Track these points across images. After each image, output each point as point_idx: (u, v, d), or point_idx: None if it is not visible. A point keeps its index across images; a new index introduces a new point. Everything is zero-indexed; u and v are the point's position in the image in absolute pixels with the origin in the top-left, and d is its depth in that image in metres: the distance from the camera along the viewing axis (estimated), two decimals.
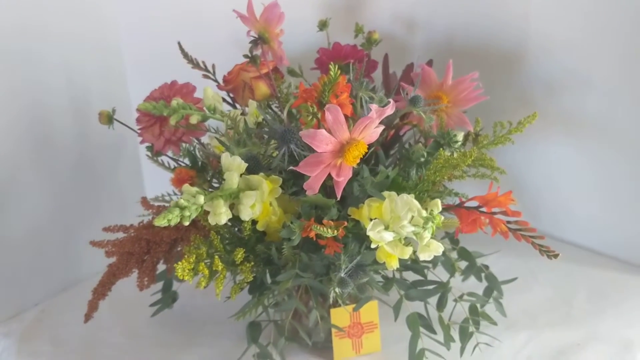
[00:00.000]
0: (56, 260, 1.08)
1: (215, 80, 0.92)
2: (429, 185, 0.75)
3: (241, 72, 0.90)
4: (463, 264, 0.90)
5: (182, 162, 0.87)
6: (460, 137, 0.77)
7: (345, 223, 0.66)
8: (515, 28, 1.08)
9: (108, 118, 0.83)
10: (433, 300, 0.83)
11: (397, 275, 0.82)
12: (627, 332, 0.89)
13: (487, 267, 0.90)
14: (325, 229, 0.63)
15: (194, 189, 0.63)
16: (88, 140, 1.09)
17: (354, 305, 0.79)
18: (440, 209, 0.65)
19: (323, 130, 0.60)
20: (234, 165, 0.67)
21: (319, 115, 0.68)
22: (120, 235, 0.81)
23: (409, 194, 0.70)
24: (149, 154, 0.85)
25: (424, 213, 0.64)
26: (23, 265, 1.02)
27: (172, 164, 0.88)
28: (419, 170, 0.77)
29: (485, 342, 0.83)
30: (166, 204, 0.86)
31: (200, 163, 0.83)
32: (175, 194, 0.89)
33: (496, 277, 0.89)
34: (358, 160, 0.63)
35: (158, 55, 1.12)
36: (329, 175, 0.64)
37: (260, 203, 0.68)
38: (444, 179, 0.73)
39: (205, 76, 0.92)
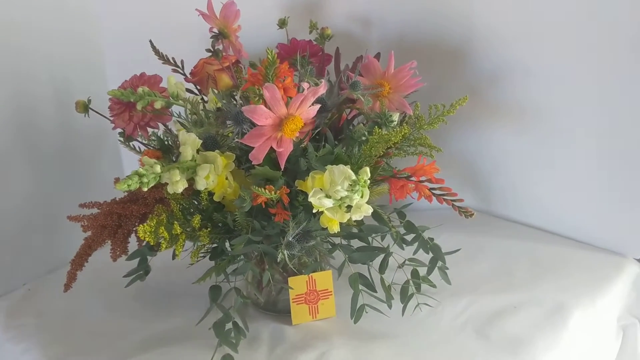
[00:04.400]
0: (43, 242, 1.16)
1: (184, 74, 1.01)
2: (366, 160, 0.84)
3: (205, 65, 0.99)
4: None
5: (153, 146, 0.96)
6: (395, 117, 0.86)
7: (286, 188, 0.75)
8: (461, 24, 1.17)
9: (84, 107, 0.92)
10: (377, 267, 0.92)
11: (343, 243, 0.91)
12: (560, 296, 0.98)
13: (432, 239, 0.99)
14: (266, 191, 0.72)
15: (152, 160, 0.72)
16: (70, 128, 1.17)
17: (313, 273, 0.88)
18: (369, 175, 0.74)
19: (262, 106, 0.69)
20: (189, 140, 0.76)
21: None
22: (95, 211, 0.90)
23: (353, 167, 0.79)
24: (121, 139, 0.94)
25: (353, 177, 0.73)
26: (10, 248, 1.10)
27: (144, 148, 0.97)
28: (360, 147, 0.86)
29: (426, 303, 0.91)
30: None
31: (166, 145, 0.92)
32: None
33: (440, 247, 0.97)
34: (296, 134, 0.72)
35: (136, 52, 1.20)
36: (276, 150, 0.73)
37: (214, 175, 0.77)
38: (381, 153, 0.81)
39: (175, 70, 1.01)
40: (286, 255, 0.78)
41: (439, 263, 0.97)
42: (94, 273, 0.96)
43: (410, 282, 0.90)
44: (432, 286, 0.93)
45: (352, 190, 0.72)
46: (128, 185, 0.68)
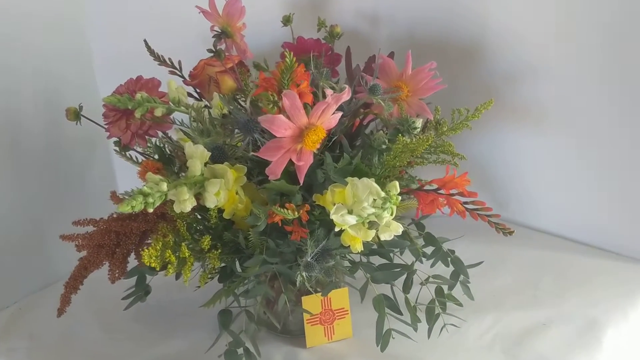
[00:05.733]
0: (34, 258, 1.08)
1: (182, 76, 0.93)
2: (390, 171, 0.77)
3: (206, 67, 0.91)
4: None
5: (151, 156, 0.89)
6: (418, 123, 0.79)
7: (308, 206, 0.68)
8: (474, 22, 1.10)
9: (75, 114, 0.84)
10: (400, 286, 0.85)
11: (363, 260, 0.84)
12: (591, 311, 0.92)
13: (452, 251, 0.92)
14: (287, 211, 0.65)
15: (157, 177, 0.64)
16: (59, 138, 1.10)
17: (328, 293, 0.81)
18: (399, 190, 0.67)
19: (281, 116, 0.62)
20: (197, 153, 0.68)
21: (280, 104, 0.69)
22: (90, 229, 0.82)
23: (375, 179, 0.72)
24: (116, 148, 0.87)
25: (382, 194, 0.66)
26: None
27: (141, 158, 0.89)
28: (380, 157, 0.79)
29: (452, 324, 0.85)
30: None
31: (167, 156, 0.85)
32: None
33: (462, 261, 0.91)
34: (318, 145, 0.65)
35: (129, 53, 1.13)
36: (295, 163, 0.66)
37: (225, 191, 0.70)
38: (405, 164, 0.75)
39: (172, 72, 0.93)
40: (305, 278, 0.71)
41: (461, 277, 0.91)
42: (90, 291, 0.88)
43: (436, 301, 0.83)
44: (458, 305, 0.87)
45: (382, 207, 0.65)
46: (132, 207, 0.60)
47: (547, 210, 1.15)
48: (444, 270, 0.91)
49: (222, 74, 0.91)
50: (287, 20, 1.00)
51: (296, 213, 0.66)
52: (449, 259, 0.91)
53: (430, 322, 0.82)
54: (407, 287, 0.82)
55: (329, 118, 0.66)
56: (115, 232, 0.80)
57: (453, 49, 1.13)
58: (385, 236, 0.68)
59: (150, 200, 0.62)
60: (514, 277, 1.03)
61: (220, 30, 0.86)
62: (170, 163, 0.83)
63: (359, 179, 0.72)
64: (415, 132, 0.78)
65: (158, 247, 0.68)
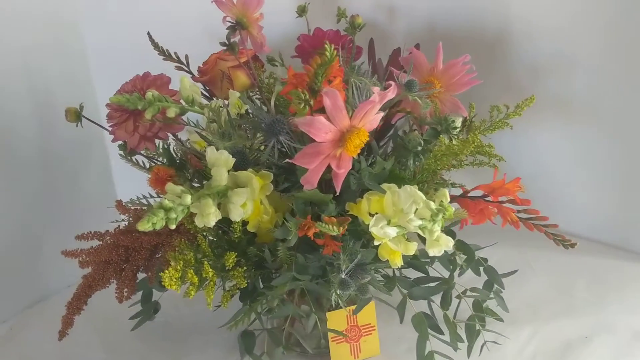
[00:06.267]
0: (22, 273, 1.00)
1: (190, 72, 0.86)
2: (428, 175, 0.70)
3: (218, 62, 0.84)
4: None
5: (158, 160, 0.81)
6: (458, 122, 0.72)
7: (349, 219, 0.60)
8: (496, 13, 1.04)
9: (76, 115, 0.76)
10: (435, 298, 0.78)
11: (396, 273, 0.77)
12: (634, 320, 0.86)
13: (485, 260, 0.85)
14: (330, 226, 0.57)
15: (179, 188, 0.57)
16: (52, 142, 1.01)
17: (353, 307, 0.74)
18: (448, 198, 0.60)
19: (322, 117, 0.54)
20: (221, 160, 0.61)
21: (312, 103, 0.62)
22: (95, 243, 0.74)
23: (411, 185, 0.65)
24: (121, 152, 0.79)
25: (433, 205, 0.58)
26: None
27: (146, 163, 0.81)
28: (415, 159, 0.72)
29: (493, 341, 0.78)
30: (144, 207, 0.79)
31: (178, 161, 0.77)
32: (151, 196, 0.82)
33: (496, 270, 0.85)
34: (359, 150, 0.58)
35: (125, 49, 1.05)
36: (333, 170, 0.58)
37: (251, 201, 0.62)
38: (447, 168, 0.68)
39: (179, 68, 0.86)
40: (340, 296, 0.64)
41: (494, 287, 0.84)
42: (90, 307, 0.79)
43: (475, 316, 0.76)
44: (498, 319, 0.80)
45: (432, 219, 0.58)
46: (153, 224, 0.52)
47: (577, 211, 1.08)
48: (472, 277, 0.84)
49: (234, 69, 0.83)
50: (302, 11, 0.92)
51: (341, 228, 0.58)
52: (482, 267, 0.85)
53: (472, 340, 0.75)
54: (446, 303, 0.75)
55: (372, 119, 0.58)
56: (123, 247, 0.71)
57: (474, 42, 1.06)
58: (434, 252, 0.61)
59: (173, 215, 0.54)
60: (546, 283, 0.97)
61: (234, 21, 0.79)
62: (182, 169, 0.75)
63: (395, 185, 0.65)
64: (455, 132, 0.71)
65: (179, 268, 0.60)
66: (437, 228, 0.59)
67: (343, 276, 0.65)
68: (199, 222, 0.59)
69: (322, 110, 0.61)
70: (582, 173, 1.05)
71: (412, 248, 0.64)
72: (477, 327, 0.76)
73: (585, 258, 1.02)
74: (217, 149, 0.62)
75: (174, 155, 0.80)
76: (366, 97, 0.65)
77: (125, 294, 0.73)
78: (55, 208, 1.03)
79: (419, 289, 0.73)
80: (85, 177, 1.09)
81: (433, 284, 0.75)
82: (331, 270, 0.69)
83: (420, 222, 0.59)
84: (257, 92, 0.84)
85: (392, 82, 0.59)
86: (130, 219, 0.76)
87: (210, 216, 0.58)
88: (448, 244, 0.61)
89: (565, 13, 0.97)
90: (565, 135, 1.04)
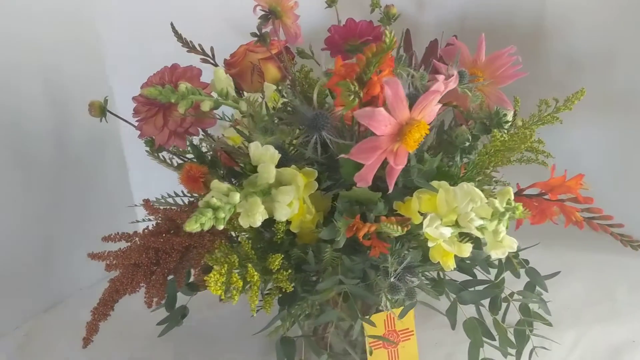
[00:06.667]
0: (37, 275, 0.96)
1: (215, 65, 0.81)
2: (477, 173, 0.66)
3: (248, 54, 0.79)
4: None
5: (187, 157, 0.77)
6: (510, 116, 0.68)
7: (410, 219, 0.56)
8: (530, 5, 1.00)
9: (100, 109, 0.72)
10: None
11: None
12: None
13: (527, 261, 0.81)
14: (393, 226, 0.53)
15: (225, 186, 0.52)
16: (67, 140, 0.97)
17: (398, 310, 0.70)
18: (512, 196, 0.56)
19: (382, 109, 0.50)
20: (266, 156, 0.56)
21: (361, 94, 0.58)
22: (117, 245, 0.70)
23: (455, 182, 0.61)
24: (148, 149, 0.74)
25: (497, 203, 0.54)
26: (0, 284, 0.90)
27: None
28: (462, 155, 0.68)
29: (542, 346, 0.74)
30: (173, 207, 0.75)
31: (209, 158, 0.73)
32: (177, 195, 0.78)
33: (538, 272, 0.81)
34: (418, 145, 0.53)
35: (142, 43, 1.01)
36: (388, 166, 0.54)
37: (297, 200, 0.58)
38: (502, 164, 0.64)
39: (204, 60, 0.81)
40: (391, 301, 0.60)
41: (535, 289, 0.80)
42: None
43: (525, 321, 0.72)
44: (547, 324, 0.76)
45: (498, 219, 0.54)
46: (201, 224, 0.48)
47: (613, 208, 1.04)
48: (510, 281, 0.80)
49: (265, 62, 0.79)
50: (332, 1, 0.88)
51: (404, 228, 0.54)
52: (524, 269, 0.81)
53: (521, 345, 0.71)
54: (495, 308, 0.71)
55: (430, 111, 0.54)
56: (154, 249, 0.67)
57: (506, 36, 1.02)
58: (497, 254, 0.57)
59: (221, 215, 0.50)
60: (585, 285, 0.94)
61: (267, 11, 0.74)
62: (215, 166, 0.71)
63: (446, 183, 0.61)
64: (507, 127, 0.67)
65: (223, 271, 0.55)
66: (503, 228, 0.55)
67: (392, 280, 0.61)
68: (244, 222, 0.54)
69: (367, 104, 0.57)
70: (616, 169, 1.01)
71: (467, 249, 0.60)
72: (527, 332, 0.71)
73: (626, 260, 0.97)
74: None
75: (202, 152, 0.76)
76: (411, 88, 0.61)
77: (156, 300, 0.68)
78: (71, 209, 0.99)
79: (468, 293, 0.69)
80: (101, 177, 1.05)
81: (481, 287, 0.71)
82: (375, 273, 0.65)
83: (481, 222, 0.55)
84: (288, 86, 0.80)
85: (455, 72, 0.54)
86: (159, 219, 0.71)
87: (256, 216, 0.54)
88: (512, 245, 0.56)
89: (601, 7, 0.94)
90: (601, 131, 1.00)
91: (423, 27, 1.04)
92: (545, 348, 0.75)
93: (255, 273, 0.57)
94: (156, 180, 1.01)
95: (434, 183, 0.62)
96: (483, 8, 1.03)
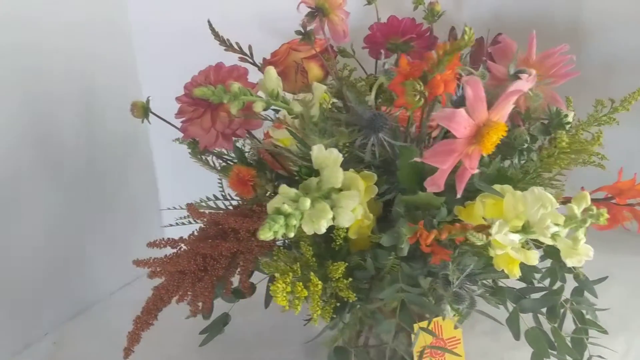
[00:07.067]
0: (63, 281, 0.93)
1: (254, 64, 0.79)
2: (537, 176, 0.64)
3: (291, 52, 0.77)
4: None
5: (230, 160, 0.74)
6: (570, 117, 0.66)
7: (490, 226, 0.54)
8: (566, 3, 0.98)
9: (143, 110, 0.69)
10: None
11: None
12: None
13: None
14: (480, 235, 0.50)
15: (293, 191, 0.50)
16: (94, 144, 0.94)
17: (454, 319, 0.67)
18: (589, 202, 0.53)
19: (463, 110, 0.48)
20: (330, 159, 0.53)
21: (427, 94, 0.55)
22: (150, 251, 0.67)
23: (515, 186, 0.59)
24: (190, 151, 0.71)
25: (576, 209, 0.52)
26: (28, 289, 0.87)
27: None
28: (520, 157, 0.66)
29: (599, 356, 0.72)
30: (217, 210, 0.72)
31: (257, 160, 0.71)
32: (217, 199, 0.75)
33: (587, 277, 0.78)
34: (494, 147, 0.51)
35: (170, 43, 0.98)
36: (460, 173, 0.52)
37: (360, 205, 0.56)
38: (567, 167, 0.61)
39: (243, 59, 0.79)
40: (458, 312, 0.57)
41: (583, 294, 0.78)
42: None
43: (582, 329, 0.70)
44: (602, 332, 0.73)
45: (579, 225, 0.51)
46: (275, 232, 0.46)
47: None
48: None
49: (308, 61, 0.77)
50: None
51: (487, 236, 0.52)
52: (572, 274, 0.78)
53: (581, 354, 0.68)
54: (554, 316, 0.68)
55: (505, 112, 0.52)
56: (202, 255, 0.64)
57: (543, 33, 0.99)
58: (573, 262, 0.54)
59: (293, 222, 0.47)
60: (629, 290, 0.91)
61: (314, 7, 0.72)
62: (264, 169, 0.68)
63: (510, 187, 0.59)
64: (568, 128, 0.65)
65: (288, 280, 0.53)
66: (582, 236, 0.52)
67: (457, 289, 0.58)
68: (307, 229, 0.52)
69: None
70: None
71: (534, 257, 0.57)
72: (585, 340, 0.69)
73: None
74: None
75: (244, 154, 0.73)
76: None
77: (204, 308, 0.65)
78: (98, 214, 0.97)
79: (528, 302, 0.66)
80: (128, 180, 1.02)
81: (538, 295, 0.69)
82: (433, 280, 0.63)
83: (557, 229, 0.53)
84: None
85: (532, 70, 0.52)
86: (205, 223, 0.68)
87: (322, 222, 0.51)
88: (589, 253, 0.54)
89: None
90: None
91: (458, 24, 1.01)
92: (602, 357, 0.72)
93: (319, 282, 0.54)
94: (183, 184, 0.99)
95: (497, 187, 0.59)
96: (518, 6, 1.01)
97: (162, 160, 1.05)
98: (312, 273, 0.55)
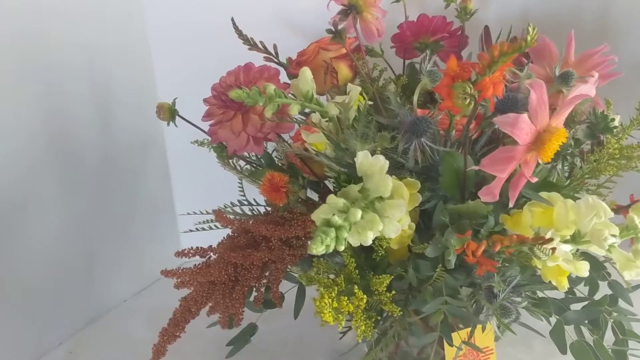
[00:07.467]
0: (78, 288, 0.90)
1: (279, 63, 0.76)
2: (581, 183, 0.61)
3: (320, 52, 0.74)
4: None
5: (258, 164, 0.71)
6: (617, 120, 0.63)
7: (552, 238, 0.51)
8: (596, 2, 0.95)
9: (170, 112, 0.66)
10: None
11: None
12: None
13: (609, 274, 0.76)
14: (545, 249, 0.48)
15: (341, 201, 0.47)
16: (110, 148, 0.92)
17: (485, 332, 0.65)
18: None
19: (525, 116, 0.45)
20: (377, 166, 0.51)
21: (477, 96, 0.53)
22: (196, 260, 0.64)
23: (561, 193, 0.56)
24: (217, 155, 0.69)
25: (637, 220, 0.49)
26: (42, 297, 0.84)
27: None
28: (564, 163, 0.63)
29: None
30: (242, 217, 0.69)
31: (287, 166, 0.68)
32: (241, 203, 0.73)
33: (621, 285, 0.75)
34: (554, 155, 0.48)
35: (188, 43, 0.96)
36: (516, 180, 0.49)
37: (407, 215, 0.53)
38: (613, 173, 0.59)
39: (268, 59, 0.76)
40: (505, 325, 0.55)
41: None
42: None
43: (624, 340, 0.67)
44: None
45: (638, 234, 0.49)
46: (327, 246, 0.43)
47: None
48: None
49: (337, 61, 0.74)
50: None
51: (553, 251, 0.49)
52: (607, 282, 0.76)
53: None
54: (598, 327, 0.65)
55: (564, 117, 0.49)
56: (233, 265, 0.61)
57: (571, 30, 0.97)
58: (630, 275, 0.51)
59: (344, 234, 0.44)
60: None
61: (347, 5, 0.69)
62: (296, 175, 0.65)
63: (558, 195, 0.56)
64: (615, 132, 0.62)
65: (334, 295, 0.50)
66: None
67: (503, 302, 0.56)
68: (354, 240, 0.49)
69: None
70: None
71: (585, 268, 0.55)
72: (627, 352, 0.67)
73: None
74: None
75: (273, 159, 0.71)
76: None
77: (234, 321, 0.62)
78: (113, 220, 0.94)
79: (572, 313, 0.64)
80: (143, 186, 0.99)
81: (579, 306, 0.66)
82: (473, 292, 0.61)
83: (615, 240, 0.50)
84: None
85: (595, 73, 0.49)
86: (235, 230, 0.65)
87: (369, 233, 0.48)
88: None
89: None
90: None
91: (484, 23, 0.98)
92: None
93: (363, 296, 0.52)
94: (198, 189, 0.96)
95: (544, 194, 0.57)
96: (545, 4, 0.98)
97: (177, 164, 1.02)
98: (355, 286, 0.52)
